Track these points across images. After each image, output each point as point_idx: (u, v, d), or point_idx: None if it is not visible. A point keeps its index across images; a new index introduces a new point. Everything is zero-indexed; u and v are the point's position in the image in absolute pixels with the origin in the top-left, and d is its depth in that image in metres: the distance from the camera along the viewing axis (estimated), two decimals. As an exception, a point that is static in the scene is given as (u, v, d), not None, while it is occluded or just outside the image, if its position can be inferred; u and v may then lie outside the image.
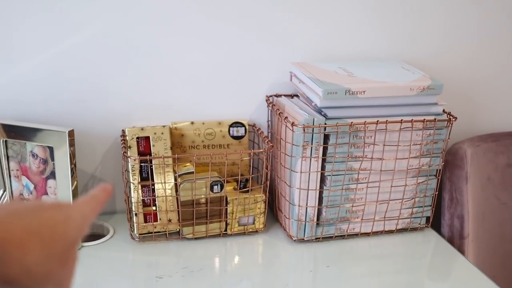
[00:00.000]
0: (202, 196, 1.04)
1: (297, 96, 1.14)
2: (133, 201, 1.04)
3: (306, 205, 1.05)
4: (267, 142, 1.06)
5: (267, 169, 1.07)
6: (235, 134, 1.15)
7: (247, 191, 1.08)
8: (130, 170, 1.03)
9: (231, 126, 1.15)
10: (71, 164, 0.98)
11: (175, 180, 1.04)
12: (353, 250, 1.07)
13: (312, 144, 1.00)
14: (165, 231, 1.06)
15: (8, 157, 1.03)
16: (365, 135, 1.02)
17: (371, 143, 1.02)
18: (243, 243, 1.08)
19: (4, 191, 1.05)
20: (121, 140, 1.07)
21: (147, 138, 1.07)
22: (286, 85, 1.16)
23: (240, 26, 1.11)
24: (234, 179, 1.12)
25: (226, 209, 1.06)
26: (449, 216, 1.16)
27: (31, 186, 1.04)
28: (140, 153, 1.06)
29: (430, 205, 1.12)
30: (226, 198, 1.06)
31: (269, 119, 1.17)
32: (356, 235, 1.10)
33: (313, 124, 0.99)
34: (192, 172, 1.04)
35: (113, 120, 1.11)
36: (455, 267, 1.05)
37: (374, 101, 1.02)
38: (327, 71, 1.07)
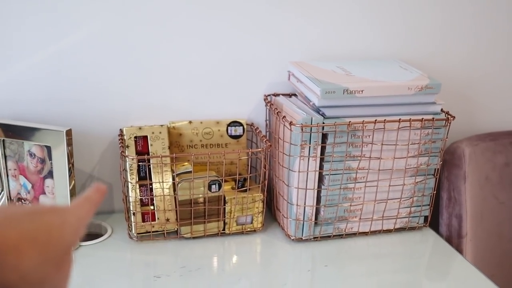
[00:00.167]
0: (200, 195, 1.04)
1: (295, 95, 1.14)
2: (131, 200, 1.03)
3: (304, 204, 1.04)
4: (265, 141, 1.06)
5: (265, 168, 1.07)
6: (233, 133, 1.15)
7: (245, 191, 1.08)
8: (128, 170, 1.03)
9: (229, 125, 1.15)
10: (68, 163, 0.98)
11: (173, 179, 1.04)
12: (351, 250, 1.07)
13: (310, 144, 1.00)
14: (163, 231, 1.06)
15: (5, 157, 1.03)
16: (363, 134, 1.02)
17: (369, 142, 1.02)
18: (241, 242, 1.08)
19: (2, 190, 1.05)
20: (119, 140, 1.07)
21: (145, 137, 1.07)
22: (284, 84, 1.16)
23: (238, 26, 1.11)
24: (232, 179, 1.12)
25: (224, 208, 1.06)
26: (447, 215, 1.16)
27: (29, 186, 1.03)
28: (138, 153, 1.06)
29: (428, 205, 1.12)
30: (224, 198, 1.06)
31: (267, 118, 1.17)
32: (354, 234, 1.10)
33: (311, 124, 0.99)
34: (190, 172, 1.04)
35: (111, 120, 1.11)
36: (453, 266, 1.05)
37: (372, 100, 1.02)
38: (325, 70, 1.07)
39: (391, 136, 1.03)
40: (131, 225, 1.05)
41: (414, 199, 1.10)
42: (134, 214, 1.04)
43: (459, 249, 1.12)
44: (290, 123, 0.99)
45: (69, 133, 0.98)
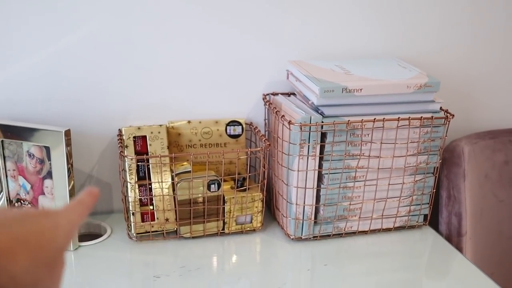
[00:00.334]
0: (200, 195, 1.04)
1: (293, 94, 1.14)
2: (130, 200, 1.03)
3: (304, 203, 1.04)
4: (264, 140, 1.06)
5: (264, 167, 1.07)
6: (232, 132, 1.15)
7: (245, 190, 1.08)
8: (127, 170, 1.03)
9: (228, 124, 1.15)
10: (67, 163, 0.98)
11: (172, 179, 1.04)
12: (351, 249, 1.07)
13: (309, 143, 1.00)
14: (163, 231, 1.06)
15: (4, 157, 1.03)
16: (362, 133, 1.01)
17: (368, 141, 1.02)
18: (240, 242, 1.08)
19: (1, 191, 1.05)
20: (118, 140, 1.07)
21: (144, 137, 1.07)
22: (283, 84, 1.16)
23: (236, 25, 1.11)
24: (231, 178, 1.12)
25: (224, 208, 1.06)
26: (447, 213, 1.16)
27: (28, 186, 1.03)
28: (137, 153, 1.06)
29: (428, 203, 1.12)
30: (224, 197, 1.06)
31: (266, 117, 1.17)
32: (353, 233, 1.10)
33: (310, 123, 0.99)
34: (189, 171, 1.04)
35: (110, 120, 1.11)
36: (453, 265, 1.05)
37: (371, 99, 1.02)
38: (324, 69, 1.07)
39: (390, 134, 1.03)
40: (130, 225, 1.05)
41: (414, 197, 1.10)
42: (133, 214, 1.04)
43: (459, 248, 1.12)
44: (289, 122, 0.99)
45: (68, 133, 0.97)
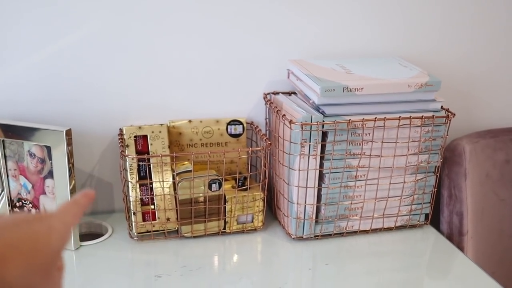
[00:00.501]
0: (201, 194, 1.04)
1: (294, 93, 1.14)
2: (131, 200, 1.03)
3: (305, 203, 1.04)
4: (265, 140, 1.06)
5: (265, 167, 1.06)
6: (233, 132, 1.15)
7: (246, 189, 1.07)
8: (128, 169, 1.03)
9: (229, 124, 1.15)
10: (68, 163, 0.98)
11: (173, 178, 1.04)
12: (352, 248, 1.07)
13: (310, 142, 1.00)
14: (164, 230, 1.06)
15: (5, 157, 1.03)
16: (363, 132, 1.01)
17: (369, 140, 1.02)
18: (241, 241, 1.08)
19: (2, 190, 1.05)
20: (119, 139, 1.07)
21: (145, 136, 1.07)
22: (284, 83, 1.16)
23: (237, 24, 1.11)
24: (232, 177, 1.11)
25: (225, 207, 1.06)
26: (448, 213, 1.16)
27: (29, 186, 1.03)
28: (138, 152, 1.06)
29: (429, 202, 1.12)
30: (225, 197, 1.06)
31: (267, 117, 1.17)
32: (355, 232, 1.10)
33: (311, 122, 0.98)
34: (190, 171, 1.04)
35: (111, 119, 1.11)
36: (454, 264, 1.05)
37: (372, 98, 1.01)
38: (325, 68, 1.06)
39: (391, 133, 1.03)
40: (131, 224, 1.05)
41: (415, 197, 1.10)
42: (134, 213, 1.04)
43: (460, 247, 1.12)
44: (290, 122, 0.99)
45: (68, 133, 0.97)
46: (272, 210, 1.17)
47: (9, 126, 1.00)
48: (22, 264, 0.38)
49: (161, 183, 1.04)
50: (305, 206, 1.05)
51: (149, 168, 1.04)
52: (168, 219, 1.05)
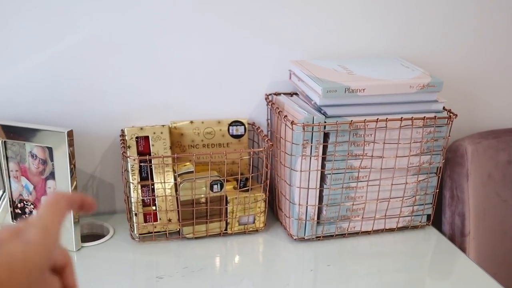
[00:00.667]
0: (202, 195, 1.04)
1: (296, 94, 1.13)
2: (133, 201, 1.03)
3: (307, 203, 1.04)
4: (266, 141, 1.06)
5: (267, 168, 1.06)
6: (235, 133, 1.15)
7: (247, 190, 1.07)
8: (129, 170, 1.03)
9: (230, 125, 1.15)
10: (70, 164, 0.98)
11: (175, 179, 1.04)
12: (354, 249, 1.06)
13: (312, 143, 1.00)
14: (165, 231, 1.06)
15: (7, 158, 1.03)
16: (365, 133, 1.01)
17: (371, 141, 1.02)
18: (243, 242, 1.08)
19: (4, 192, 1.05)
20: (120, 140, 1.07)
21: (147, 137, 1.07)
22: (285, 84, 1.16)
23: (239, 25, 1.11)
24: (234, 178, 1.11)
25: (226, 208, 1.06)
26: (450, 213, 1.16)
27: (31, 187, 1.03)
28: (139, 153, 1.06)
29: (431, 203, 1.12)
30: (226, 198, 1.06)
31: (269, 117, 1.17)
32: (356, 233, 1.10)
33: (313, 123, 0.98)
34: (191, 172, 1.04)
35: (112, 120, 1.11)
36: (456, 265, 1.05)
37: (374, 99, 1.01)
38: (326, 69, 1.06)
39: (393, 134, 1.03)
40: (133, 225, 1.05)
41: (417, 197, 1.10)
42: (136, 214, 1.03)
43: (462, 248, 1.11)
44: (292, 123, 0.99)
45: (70, 134, 0.97)
46: (273, 211, 1.17)
47: (10, 127, 1.00)
48: None
49: (163, 184, 1.04)
50: (306, 207, 1.04)
51: (151, 169, 1.04)
52: (169, 220, 1.05)
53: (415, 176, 1.08)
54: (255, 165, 1.18)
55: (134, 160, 1.03)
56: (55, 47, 1.04)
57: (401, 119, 1.01)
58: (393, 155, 1.04)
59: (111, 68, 1.08)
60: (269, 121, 1.17)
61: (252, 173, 1.11)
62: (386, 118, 1.00)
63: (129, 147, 1.05)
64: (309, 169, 1.02)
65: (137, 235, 1.05)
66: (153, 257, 1.02)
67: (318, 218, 1.06)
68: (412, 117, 1.01)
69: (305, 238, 1.07)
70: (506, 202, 1.21)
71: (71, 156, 0.98)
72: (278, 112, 1.05)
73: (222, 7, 1.09)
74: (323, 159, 1.02)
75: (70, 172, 0.98)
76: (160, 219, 1.05)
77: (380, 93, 1.01)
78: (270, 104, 1.13)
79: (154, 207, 1.05)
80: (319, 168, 1.02)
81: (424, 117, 1.02)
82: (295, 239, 1.07)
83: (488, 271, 1.00)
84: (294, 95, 1.14)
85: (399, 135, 1.02)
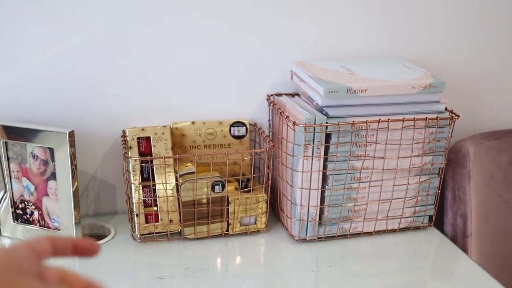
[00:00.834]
0: (204, 196, 1.04)
1: (298, 95, 1.13)
2: (134, 201, 1.03)
3: (308, 204, 1.04)
4: (268, 141, 1.06)
5: (268, 168, 1.06)
6: (236, 133, 1.15)
7: (249, 191, 1.07)
8: (131, 171, 1.03)
9: (232, 125, 1.14)
10: (71, 165, 0.98)
11: (176, 180, 1.04)
12: (356, 250, 1.06)
13: (313, 144, 1.00)
14: (167, 232, 1.05)
15: (8, 159, 1.02)
16: (367, 134, 1.01)
17: (373, 142, 1.02)
18: (245, 243, 1.07)
19: (5, 192, 1.05)
20: (122, 141, 1.07)
21: (148, 138, 1.06)
22: (287, 84, 1.15)
23: (241, 25, 1.11)
24: (235, 179, 1.11)
25: (228, 209, 1.06)
26: (452, 214, 1.15)
27: (32, 188, 1.03)
28: (141, 154, 1.06)
29: (433, 204, 1.12)
30: (228, 198, 1.05)
31: (270, 118, 1.17)
32: (358, 234, 1.09)
33: (315, 123, 0.98)
34: (193, 172, 1.03)
35: (114, 121, 1.11)
36: (458, 266, 1.04)
37: (376, 100, 1.01)
38: (328, 70, 1.06)
39: (395, 135, 1.02)
40: (134, 226, 1.05)
41: (419, 198, 1.10)
42: (137, 215, 1.03)
43: (464, 249, 1.11)
44: (294, 123, 0.99)
45: (71, 134, 0.97)
46: (275, 212, 1.17)
47: (12, 128, 1.00)
48: None
49: (164, 184, 1.04)
50: (308, 208, 1.04)
51: (152, 170, 1.04)
52: (171, 220, 1.05)
53: (417, 177, 1.08)
54: (256, 165, 1.18)
55: (135, 160, 1.03)
56: (57, 47, 1.04)
57: (403, 120, 1.01)
58: (395, 156, 1.04)
59: (112, 68, 1.08)
60: (270, 121, 1.17)
61: (253, 174, 1.11)
62: (388, 119, 1.00)
63: (130, 147, 1.05)
64: (311, 169, 1.01)
65: (138, 235, 1.05)
66: (154, 257, 1.02)
67: (320, 219, 1.06)
68: (414, 118, 1.01)
69: (307, 239, 1.07)
70: (508, 203, 1.21)
71: (73, 157, 0.98)
72: (280, 112, 1.05)
73: (224, 8, 1.09)
74: (325, 159, 1.02)
75: (71, 172, 0.98)
76: (161, 219, 1.05)
77: (382, 93, 1.01)
78: (271, 104, 1.13)
79: (155, 208, 1.05)
80: (321, 169, 1.02)
81: (426, 118, 1.02)
82: (296, 240, 1.07)
83: (490, 272, 1.00)
84: (295, 96, 1.14)
85: (401, 136, 1.02)
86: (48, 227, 1.04)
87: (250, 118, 1.17)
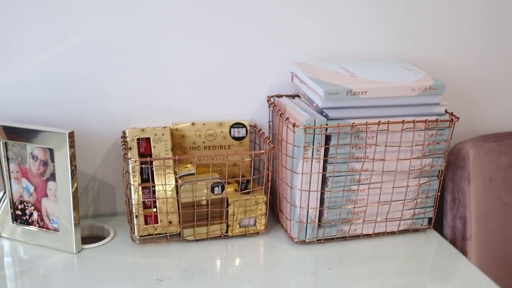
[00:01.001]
0: (203, 197, 1.04)
1: (298, 96, 1.13)
2: (133, 203, 1.03)
3: (308, 206, 1.04)
4: (268, 143, 1.06)
5: (268, 170, 1.06)
6: (236, 135, 1.15)
7: (248, 193, 1.07)
8: (130, 172, 1.03)
9: (232, 127, 1.14)
10: (71, 166, 0.98)
11: (176, 181, 1.04)
12: (355, 252, 1.06)
13: (313, 145, 1.00)
14: (166, 233, 1.05)
15: (8, 159, 1.02)
16: (367, 136, 1.01)
17: (373, 144, 1.02)
18: (244, 245, 1.07)
19: (4, 193, 1.05)
20: (122, 142, 1.07)
21: (148, 139, 1.06)
22: (287, 86, 1.15)
23: (241, 27, 1.11)
24: (235, 181, 1.11)
25: (227, 210, 1.06)
26: (451, 217, 1.15)
27: (31, 188, 1.03)
28: (140, 155, 1.06)
29: (432, 206, 1.12)
30: (227, 200, 1.05)
31: (270, 119, 1.17)
32: (358, 236, 1.09)
33: (315, 125, 0.98)
34: (193, 174, 1.03)
35: (114, 121, 1.11)
36: (457, 269, 1.04)
37: (376, 102, 1.01)
38: (329, 71, 1.06)
39: (395, 137, 1.02)
40: (133, 227, 1.05)
41: (418, 200, 1.10)
42: (136, 216, 1.03)
43: (464, 251, 1.11)
44: (293, 125, 0.98)
45: (71, 135, 0.97)
46: (274, 214, 1.17)
47: (11, 128, 1.00)
48: None
49: (164, 186, 1.03)
50: (307, 209, 1.04)
51: (152, 171, 1.04)
52: (170, 222, 1.05)
53: (417, 179, 1.08)
54: (256, 167, 1.18)
55: (135, 161, 1.02)
56: (57, 48, 1.04)
57: (403, 122, 1.01)
58: (395, 158, 1.04)
59: (112, 69, 1.08)
60: (270, 123, 1.17)
61: (253, 175, 1.11)
62: (388, 121, 1.00)
63: (130, 148, 1.05)
64: (311, 171, 1.01)
65: (137, 237, 1.05)
66: (154, 259, 1.02)
67: (319, 220, 1.06)
68: (414, 120, 1.01)
69: (306, 241, 1.07)
70: (507, 205, 1.21)
71: (72, 158, 0.98)
72: (280, 114, 1.05)
73: (224, 9, 1.09)
74: (325, 161, 1.02)
75: (71, 173, 0.98)
76: (160, 221, 1.05)
77: (382, 95, 1.01)
78: (272, 106, 1.13)
79: (154, 209, 1.05)
80: (321, 170, 1.02)
81: (426, 120, 1.02)
82: (296, 242, 1.07)
83: (489, 275, 0.99)
84: (296, 97, 1.14)
85: (401, 138, 1.02)
86: (47, 228, 1.04)
87: (250, 119, 1.17)
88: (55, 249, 1.03)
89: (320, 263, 1.04)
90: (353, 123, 0.99)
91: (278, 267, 1.02)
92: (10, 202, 1.05)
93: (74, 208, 1.00)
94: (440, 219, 1.17)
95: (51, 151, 0.99)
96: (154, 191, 1.04)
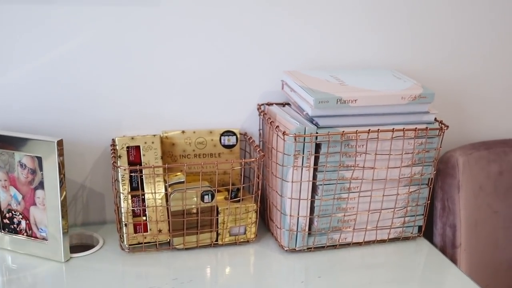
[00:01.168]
0: (193, 206, 1.03)
1: (288, 104, 1.13)
2: (123, 211, 1.02)
3: (298, 214, 1.04)
4: (258, 151, 1.06)
5: (258, 178, 1.06)
6: (227, 143, 1.14)
7: (238, 201, 1.07)
8: (120, 180, 1.02)
9: (222, 135, 1.14)
10: (60, 174, 0.97)
11: (166, 190, 1.03)
12: (345, 260, 1.06)
13: (303, 153, 1.00)
14: (155, 242, 1.05)
15: (-4, 167, 1.02)
16: (357, 144, 1.01)
17: (363, 152, 1.02)
18: (234, 253, 1.07)
19: (-8, 201, 1.04)
20: (111, 150, 1.06)
21: (138, 147, 1.06)
22: (278, 94, 1.15)
23: (232, 35, 1.11)
24: (225, 189, 1.11)
25: (217, 219, 1.05)
26: (441, 225, 1.16)
27: (19, 197, 1.02)
28: (130, 163, 1.05)
29: (422, 214, 1.12)
30: (217, 208, 1.05)
31: (261, 128, 1.16)
32: (348, 244, 1.09)
33: (305, 133, 0.98)
34: (182, 182, 1.03)
35: (103, 129, 1.10)
36: (447, 277, 1.04)
37: (366, 110, 1.01)
38: (319, 80, 1.06)
39: (385, 145, 1.02)
40: (123, 236, 1.04)
41: (408, 209, 1.10)
42: (126, 225, 1.03)
43: (454, 259, 1.11)
44: (284, 133, 0.98)
45: (60, 143, 0.96)
46: (265, 222, 1.17)
47: (-1, 136, 0.99)
48: None
49: (153, 194, 1.03)
50: (298, 218, 1.04)
51: (141, 179, 1.03)
52: (160, 230, 1.04)
53: (407, 187, 1.08)
54: (246, 175, 1.18)
55: (124, 170, 1.02)
56: (47, 55, 1.04)
57: (392, 130, 1.01)
58: (385, 166, 1.04)
59: (102, 77, 1.08)
60: (261, 131, 1.17)
61: (243, 184, 1.10)
62: (378, 129, 1.00)
63: (119, 156, 1.05)
64: (301, 179, 1.01)
65: (127, 245, 1.04)
66: (143, 268, 1.01)
67: (309, 229, 1.06)
68: (403, 128, 1.01)
69: (296, 249, 1.07)
70: (497, 213, 1.21)
71: (61, 166, 0.97)
72: (270, 122, 1.05)
73: (215, 18, 1.09)
74: (315, 169, 1.02)
75: (60, 182, 0.97)
76: (150, 229, 1.04)
77: (372, 104, 1.01)
78: (262, 114, 1.13)
79: (144, 218, 1.04)
80: (311, 179, 1.02)
81: (416, 128, 1.02)
82: (286, 250, 1.07)
83: (479, 283, 1.00)
84: (286, 106, 1.14)
85: (391, 146, 1.02)
86: (36, 237, 1.03)
87: (241, 127, 1.17)
88: (44, 258, 1.02)
89: (310, 271, 1.04)
90: (343, 131, 0.99)
91: (268, 275, 1.02)
92: (-2, 211, 1.04)
93: (62, 217, 0.99)
94: (430, 227, 1.17)
95: (39, 159, 0.98)
96: (143, 200, 1.04)
